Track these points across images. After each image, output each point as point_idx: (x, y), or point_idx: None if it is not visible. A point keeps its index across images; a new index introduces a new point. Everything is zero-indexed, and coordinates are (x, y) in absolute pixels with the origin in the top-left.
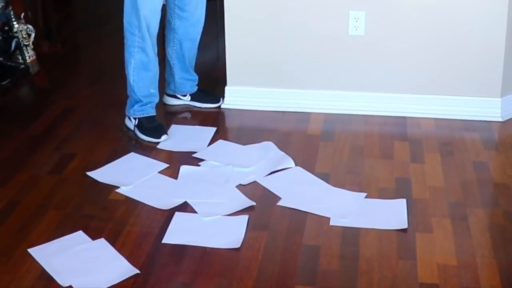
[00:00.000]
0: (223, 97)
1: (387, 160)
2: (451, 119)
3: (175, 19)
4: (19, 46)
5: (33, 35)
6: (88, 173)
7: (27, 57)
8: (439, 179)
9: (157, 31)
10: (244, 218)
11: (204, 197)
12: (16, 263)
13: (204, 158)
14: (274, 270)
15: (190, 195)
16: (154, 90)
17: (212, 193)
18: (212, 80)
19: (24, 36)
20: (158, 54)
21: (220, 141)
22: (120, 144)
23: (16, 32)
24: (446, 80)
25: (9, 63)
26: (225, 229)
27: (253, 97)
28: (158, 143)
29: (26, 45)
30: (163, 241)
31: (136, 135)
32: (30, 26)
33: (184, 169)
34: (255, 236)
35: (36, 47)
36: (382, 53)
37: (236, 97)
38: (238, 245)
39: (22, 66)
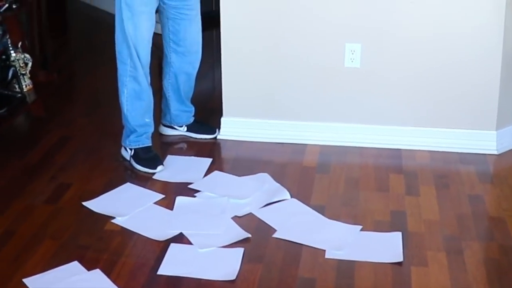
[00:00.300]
0: (219, 128)
1: (383, 192)
2: (446, 152)
3: (170, 52)
4: (16, 75)
5: (30, 64)
6: (84, 203)
7: (24, 86)
8: (434, 212)
9: (149, 60)
10: (240, 250)
11: (200, 229)
12: None
13: (199, 189)
14: None
15: (185, 226)
16: (149, 120)
17: (207, 225)
18: (208, 111)
19: (21, 65)
20: (152, 84)
21: (216, 172)
22: (116, 174)
23: (13, 61)
24: (441, 112)
25: (6, 92)
26: (220, 261)
27: (249, 128)
28: (154, 173)
29: (23, 74)
30: (158, 273)
31: (132, 165)
32: (27, 55)
33: (179, 200)
34: (250, 268)
35: (32, 76)
36: (378, 85)
37: (232, 128)
38: (233, 277)
39: (19, 95)
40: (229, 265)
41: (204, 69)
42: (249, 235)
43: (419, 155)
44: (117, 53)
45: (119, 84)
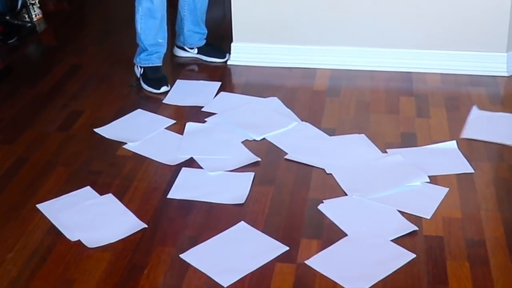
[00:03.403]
0: (230, 53)
1: (393, 115)
2: (457, 74)
3: None
4: (25, 5)
5: None
6: (95, 130)
7: (33, 15)
8: (445, 134)
9: None
10: (250, 175)
11: (210, 153)
12: (25, 218)
13: (211, 111)
14: (280, 223)
15: (195, 151)
16: (162, 40)
17: (217, 149)
18: (218, 37)
19: None
20: (169, 4)
21: (223, 93)
22: (128, 100)
23: None
24: (452, 35)
25: (16, 22)
26: (230, 185)
27: (259, 53)
28: (157, 93)
29: (32, 4)
30: (168, 196)
31: (140, 84)
32: None
33: (189, 126)
34: (262, 190)
35: (42, 5)
36: (388, 8)
37: (242, 53)
38: (241, 201)
39: (29, 24)
40: (238, 189)
41: None
42: (259, 159)
43: (430, 77)
44: None
45: (136, 2)
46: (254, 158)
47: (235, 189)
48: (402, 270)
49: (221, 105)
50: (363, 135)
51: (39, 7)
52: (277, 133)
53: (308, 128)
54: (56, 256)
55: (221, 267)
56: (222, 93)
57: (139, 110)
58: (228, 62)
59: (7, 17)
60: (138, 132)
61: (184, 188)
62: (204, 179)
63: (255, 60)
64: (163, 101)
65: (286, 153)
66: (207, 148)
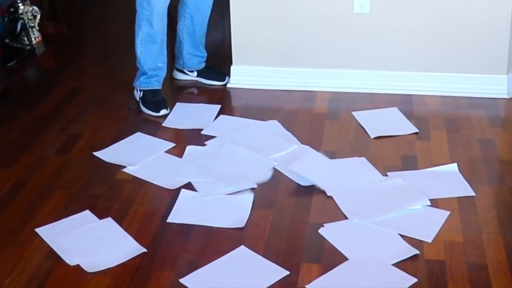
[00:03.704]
0: (229, 76)
1: (393, 137)
2: (457, 97)
3: None
4: (24, 28)
5: (38, 16)
6: (95, 153)
7: (32, 39)
8: (445, 156)
9: (166, 4)
10: (250, 197)
11: (206, 177)
12: (24, 242)
13: (212, 134)
14: (280, 248)
15: (193, 174)
16: (162, 64)
17: (215, 173)
18: (218, 59)
19: (30, 17)
20: (168, 28)
21: (223, 116)
22: (127, 123)
23: (21, 14)
24: (452, 57)
25: (15, 45)
26: (230, 208)
27: (258, 76)
28: (157, 116)
29: (32, 27)
30: (168, 220)
31: (139, 107)
32: (35, 8)
33: (189, 149)
34: (262, 214)
35: (41, 28)
36: (387, 31)
37: (242, 76)
38: (242, 225)
39: (28, 47)
40: (238, 212)
41: (213, 18)
42: (255, 186)
43: (430, 100)
44: None
45: (136, 27)
46: (252, 185)
47: (235, 213)
48: None
49: (220, 128)
50: (363, 158)
51: (39, 30)
52: (277, 156)
53: (308, 151)
54: (55, 280)
55: None
56: (221, 116)
57: (138, 133)
58: (228, 85)
59: (6, 40)
60: (137, 156)
61: (183, 212)
62: (203, 202)
63: (254, 83)
64: (163, 124)
65: (287, 177)
66: (204, 172)
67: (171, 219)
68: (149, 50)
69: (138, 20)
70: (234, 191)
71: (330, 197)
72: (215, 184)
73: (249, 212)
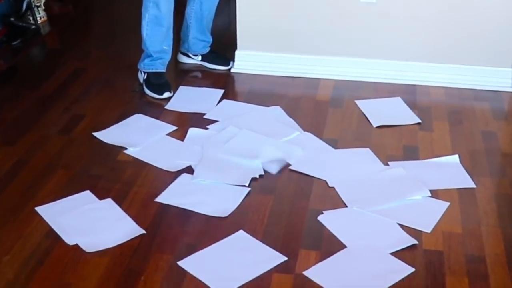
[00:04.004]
0: (234, 61)
1: (396, 127)
2: (461, 88)
3: None
4: (30, 7)
5: None
6: (94, 134)
7: (38, 18)
8: (447, 148)
9: None
10: (245, 190)
11: (207, 162)
12: (24, 221)
13: (213, 119)
14: (279, 233)
15: (193, 157)
16: (167, 47)
17: (214, 162)
18: (222, 44)
19: None
20: (175, 12)
21: (226, 101)
22: (130, 105)
23: None
24: (457, 49)
25: (20, 24)
26: (221, 197)
27: (263, 62)
28: (159, 99)
29: (37, 6)
30: (155, 200)
31: (143, 89)
32: None
33: (191, 131)
34: (261, 199)
35: (47, 8)
36: (394, 20)
37: (246, 61)
38: (225, 215)
39: (33, 26)
40: (227, 202)
41: (219, 3)
42: (262, 173)
43: (434, 91)
44: None
45: (143, 9)
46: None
47: (223, 202)
48: (401, 284)
49: (223, 113)
50: (368, 149)
51: (44, 10)
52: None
53: (311, 139)
54: (53, 259)
55: (218, 276)
56: (224, 100)
57: (139, 114)
58: (232, 70)
59: (12, 19)
60: (139, 137)
61: (174, 194)
62: (198, 187)
63: (258, 68)
64: (165, 107)
65: (288, 163)
66: (206, 158)
67: (159, 199)
68: (155, 33)
69: (145, 2)
70: (230, 183)
71: (332, 187)
72: (214, 172)
73: (238, 203)
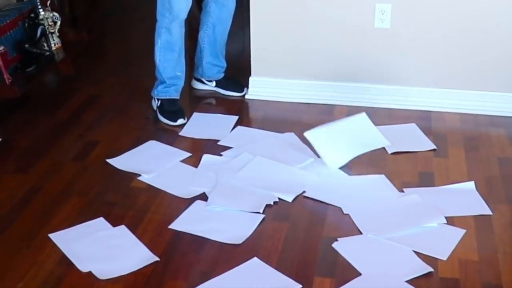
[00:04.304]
0: (248, 88)
1: (411, 153)
2: (476, 114)
3: (211, 2)
4: (44, 34)
5: (59, 22)
6: (108, 160)
7: (52, 45)
8: (463, 174)
9: (187, 12)
10: (259, 216)
11: (222, 189)
12: (37, 248)
13: (228, 145)
14: (294, 260)
15: (207, 185)
16: (180, 73)
17: (231, 187)
18: (237, 71)
19: (50, 23)
20: (188, 37)
21: (240, 127)
22: (144, 132)
23: (42, 20)
24: (472, 74)
25: (35, 50)
26: (235, 224)
27: (277, 88)
28: (174, 126)
29: (52, 33)
30: (169, 227)
31: (157, 116)
32: (56, 14)
33: (206, 158)
34: (276, 226)
35: (61, 34)
36: (408, 46)
37: (260, 88)
38: (239, 242)
39: (48, 53)
40: (242, 229)
41: (233, 30)
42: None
43: (449, 117)
44: (158, 4)
45: (156, 35)
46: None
47: (237, 229)
48: None
49: (237, 139)
50: (383, 175)
51: (58, 37)
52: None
53: (325, 166)
54: (66, 287)
55: None
56: (238, 127)
57: (152, 141)
58: (246, 96)
59: (26, 45)
60: (153, 164)
61: (188, 221)
62: (212, 214)
63: (273, 94)
64: (179, 134)
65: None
66: (220, 186)
67: (173, 226)
68: (168, 59)
69: (158, 29)
70: (244, 210)
71: (347, 214)
72: (227, 199)
73: (253, 230)
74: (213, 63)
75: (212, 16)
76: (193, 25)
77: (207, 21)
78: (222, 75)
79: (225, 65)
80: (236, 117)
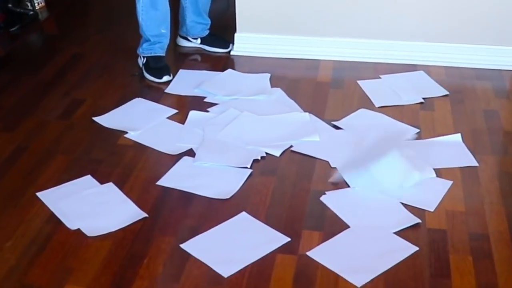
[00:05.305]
0: (233, 44)
1: (397, 107)
2: (462, 67)
3: None
4: None
5: None
6: (94, 118)
7: (36, 4)
8: (449, 127)
9: None
10: (246, 172)
11: (209, 145)
12: (25, 206)
13: (211, 92)
14: (282, 214)
15: (194, 141)
16: (165, 31)
17: (218, 142)
18: (222, 27)
19: None
20: None
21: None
22: (129, 90)
23: None
24: (458, 28)
25: (18, 10)
26: (223, 179)
27: (262, 44)
28: (159, 82)
29: None
30: (157, 183)
31: (143, 74)
32: None
33: (192, 114)
34: (263, 181)
35: None
36: (393, 0)
37: (246, 43)
38: (227, 197)
39: (31, 12)
40: (229, 184)
41: None
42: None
43: (434, 70)
44: None
45: None
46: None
47: (225, 184)
48: (405, 263)
49: (221, 85)
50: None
51: None
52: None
53: (312, 120)
54: (55, 244)
55: (221, 258)
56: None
57: (138, 98)
58: (231, 53)
59: (9, 5)
60: (139, 121)
61: (175, 178)
62: (199, 170)
63: (258, 50)
64: (165, 91)
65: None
66: (207, 142)
67: (161, 182)
68: (151, 17)
69: None
70: (231, 165)
71: (334, 167)
72: (214, 154)
73: (240, 185)
74: (196, 21)
75: None
76: None
77: None
78: (207, 32)
79: (209, 22)
80: (221, 73)
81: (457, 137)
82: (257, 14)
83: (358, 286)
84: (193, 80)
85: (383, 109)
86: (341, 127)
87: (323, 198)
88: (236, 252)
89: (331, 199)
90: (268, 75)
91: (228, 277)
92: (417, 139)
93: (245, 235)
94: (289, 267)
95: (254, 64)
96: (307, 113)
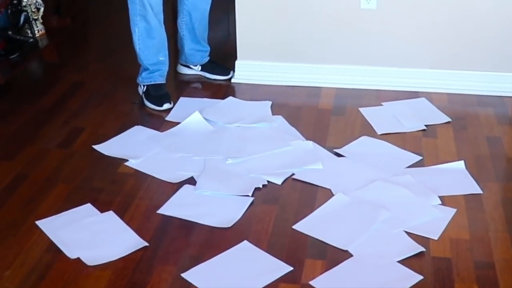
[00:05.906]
0: (234, 71)
1: (400, 134)
2: (464, 94)
3: None
4: (28, 20)
5: (42, 9)
6: (94, 147)
7: (36, 31)
8: (452, 154)
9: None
10: (248, 200)
11: (210, 173)
12: (24, 235)
13: (212, 119)
14: (284, 243)
15: (195, 169)
16: (163, 58)
17: (219, 170)
18: (222, 55)
19: (33, 10)
20: (165, 22)
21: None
22: (130, 118)
23: (25, 6)
24: (460, 54)
25: (18, 37)
26: (224, 207)
27: (263, 71)
28: (160, 111)
29: (35, 19)
30: (157, 212)
31: (143, 102)
32: (39, 0)
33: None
34: (265, 209)
35: (45, 21)
36: (394, 27)
37: (247, 71)
38: (229, 225)
39: (31, 40)
40: (231, 212)
41: (218, 14)
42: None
43: (437, 97)
44: None
45: (131, 24)
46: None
47: (227, 213)
48: None
49: (222, 113)
50: None
51: (42, 23)
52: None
53: (317, 149)
54: (54, 273)
55: (223, 287)
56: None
57: (138, 126)
58: (232, 80)
59: (9, 32)
60: (139, 149)
61: (176, 206)
62: (200, 198)
63: (259, 78)
64: (166, 119)
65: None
66: (208, 170)
67: (162, 211)
68: (148, 46)
69: (131, 17)
70: (233, 194)
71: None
72: (216, 183)
73: (241, 214)
74: (195, 49)
75: (186, 3)
76: (176, 8)
77: (183, 9)
78: (207, 59)
79: (208, 48)
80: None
81: (461, 164)
82: (258, 41)
83: None
84: (194, 108)
85: (385, 137)
86: (343, 154)
87: None
88: (238, 282)
89: None
90: (269, 102)
91: None
92: (420, 166)
93: (247, 264)
94: None
95: (255, 92)
96: (310, 142)
